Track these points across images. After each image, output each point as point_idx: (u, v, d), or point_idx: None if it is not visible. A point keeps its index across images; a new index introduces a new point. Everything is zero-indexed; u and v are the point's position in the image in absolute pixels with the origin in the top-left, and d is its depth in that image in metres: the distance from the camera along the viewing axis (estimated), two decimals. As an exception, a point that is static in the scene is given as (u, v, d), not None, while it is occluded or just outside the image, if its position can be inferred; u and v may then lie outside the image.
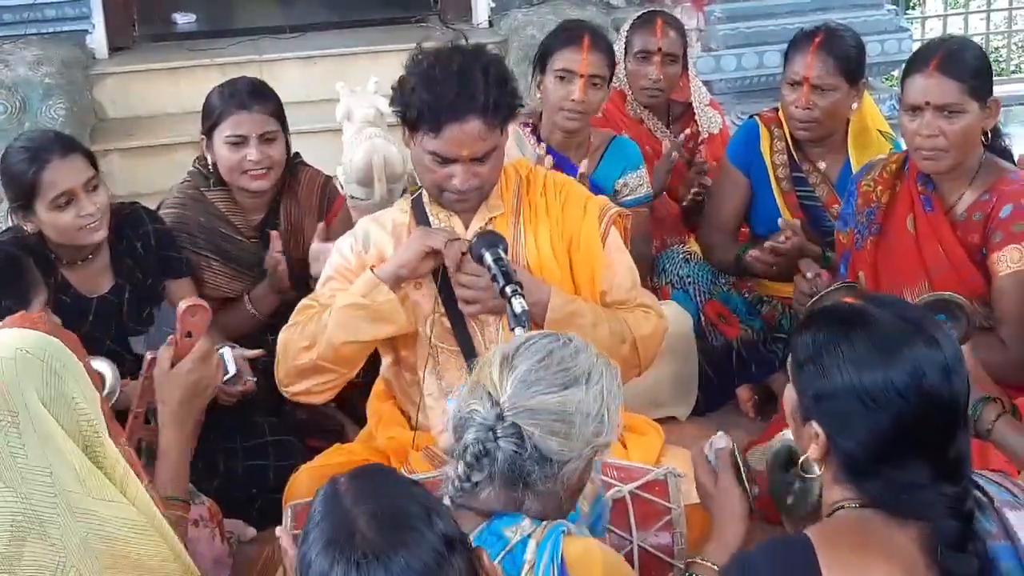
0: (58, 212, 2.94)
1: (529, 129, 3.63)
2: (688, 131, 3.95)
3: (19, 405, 1.58)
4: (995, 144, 2.91)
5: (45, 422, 1.59)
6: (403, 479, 1.62)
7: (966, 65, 2.78)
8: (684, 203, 3.84)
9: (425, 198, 2.73)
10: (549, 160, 3.43)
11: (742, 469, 1.99)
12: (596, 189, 3.48)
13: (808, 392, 1.72)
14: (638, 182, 3.64)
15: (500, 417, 1.78)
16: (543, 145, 3.54)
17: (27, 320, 1.73)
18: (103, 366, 2.55)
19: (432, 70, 2.54)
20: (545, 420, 1.78)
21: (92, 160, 3.04)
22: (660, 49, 3.86)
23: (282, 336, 2.68)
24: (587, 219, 2.74)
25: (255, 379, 2.93)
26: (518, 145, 3.46)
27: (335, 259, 2.75)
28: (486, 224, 2.66)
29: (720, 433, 2.03)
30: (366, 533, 1.46)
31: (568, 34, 3.54)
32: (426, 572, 1.44)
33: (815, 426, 1.71)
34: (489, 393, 1.80)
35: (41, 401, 1.60)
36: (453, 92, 2.50)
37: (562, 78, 3.46)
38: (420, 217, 2.72)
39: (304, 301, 2.74)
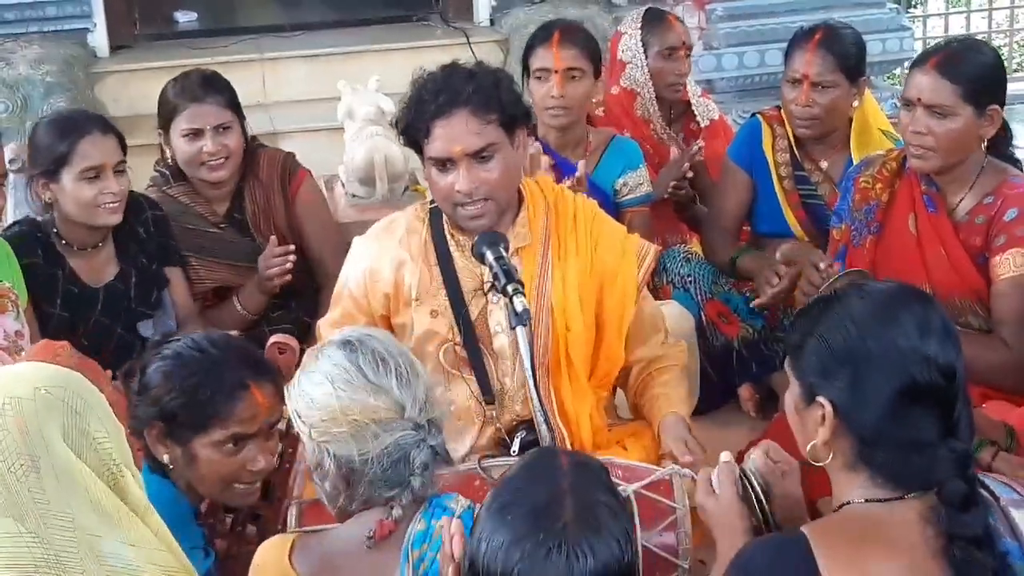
0: (83, 184, 3.00)
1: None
2: (698, 145, 3.93)
3: (40, 448, 1.54)
4: (1005, 153, 2.88)
5: (68, 464, 1.55)
6: (616, 491, 1.66)
7: (966, 68, 2.74)
8: (664, 198, 3.82)
9: (444, 218, 2.68)
10: (547, 160, 3.42)
11: (750, 484, 1.99)
12: (595, 189, 3.48)
13: (809, 367, 1.74)
14: (638, 181, 3.63)
15: (418, 426, 1.90)
16: (537, 144, 3.53)
17: (49, 351, 1.69)
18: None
19: (422, 84, 2.57)
20: (432, 399, 1.95)
21: (124, 148, 3.11)
22: (683, 43, 3.91)
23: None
24: (626, 261, 2.72)
25: None
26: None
27: (347, 281, 2.74)
28: (511, 255, 2.56)
29: (724, 452, 2.05)
30: (569, 525, 1.52)
31: (540, 34, 3.60)
32: None
33: (822, 401, 1.72)
34: (391, 419, 1.89)
35: (64, 441, 1.56)
36: (437, 92, 2.52)
37: (539, 77, 3.51)
38: (437, 233, 2.67)
39: (320, 323, 2.78)
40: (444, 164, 2.54)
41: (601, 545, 1.51)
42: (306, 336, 3.08)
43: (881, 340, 1.68)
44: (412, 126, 2.56)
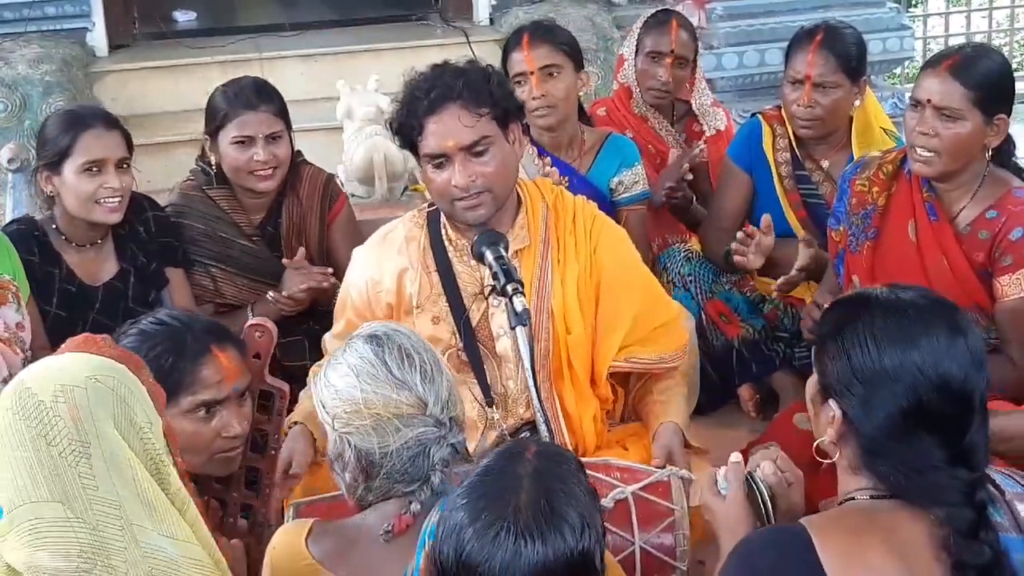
0: (85, 177, 3.00)
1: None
2: (699, 147, 3.91)
3: (92, 435, 1.56)
4: (1008, 164, 2.85)
5: (117, 452, 1.58)
6: (584, 481, 1.64)
7: (979, 74, 2.70)
8: (662, 201, 3.80)
9: (442, 220, 2.68)
10: (555, 172, 3.41)
11: (756, 488, 1.98)
12: (591, 187, 3.48)
13: (829, 369, 1.75)
14: (633, 179, 3.62)
15: (439, 423, 1.90)
16: (537, 157, 3.52)
17: (91, 343, 1.70)
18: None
19: (413, 84, 2.57)
20: (454, 397, 1.95)
21: (130, 145, 3.11)
22: (672, 51, 3.87)
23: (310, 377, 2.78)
24: (645, 311, 2.72)
25: None
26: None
27: (348, 292, 2.75)
28: (511, 257, 2.55)
29: (734, 453, 2.04)
30: (521, 510, 1.52)
31: (512, 40, 3.58)
32: (543, 571, 1.50)
33: (832, 405, 1.74)
34: (413, 415, 1.89)
35: (114, 429, 1.59)
36: (428, 90, 2.52)
37: (519, 82, 3.47)
38: (435, 236, 2.68)
39: (326, 337, 2.81)
40: (439, 160, 2.53)
41: (552, 532, 1.51)
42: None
43: (897, 361, 1.69)
44: (406, 125, 2.56)
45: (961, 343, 1.70)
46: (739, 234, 3.33)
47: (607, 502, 2.19)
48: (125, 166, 3.06)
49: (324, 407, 1.96)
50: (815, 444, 1.80)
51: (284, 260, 3.34)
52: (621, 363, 2.68)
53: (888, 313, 1.73)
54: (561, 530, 1.51)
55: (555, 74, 3.47)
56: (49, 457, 1.54)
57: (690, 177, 3.78)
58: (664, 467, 2.40)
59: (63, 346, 1.74)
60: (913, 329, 1.70)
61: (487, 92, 2.52)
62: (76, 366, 1.63)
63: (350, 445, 1.93)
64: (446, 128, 2.50)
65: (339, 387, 1.93)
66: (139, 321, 2.29)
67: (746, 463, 2.05)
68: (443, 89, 2.51)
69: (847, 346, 1.72)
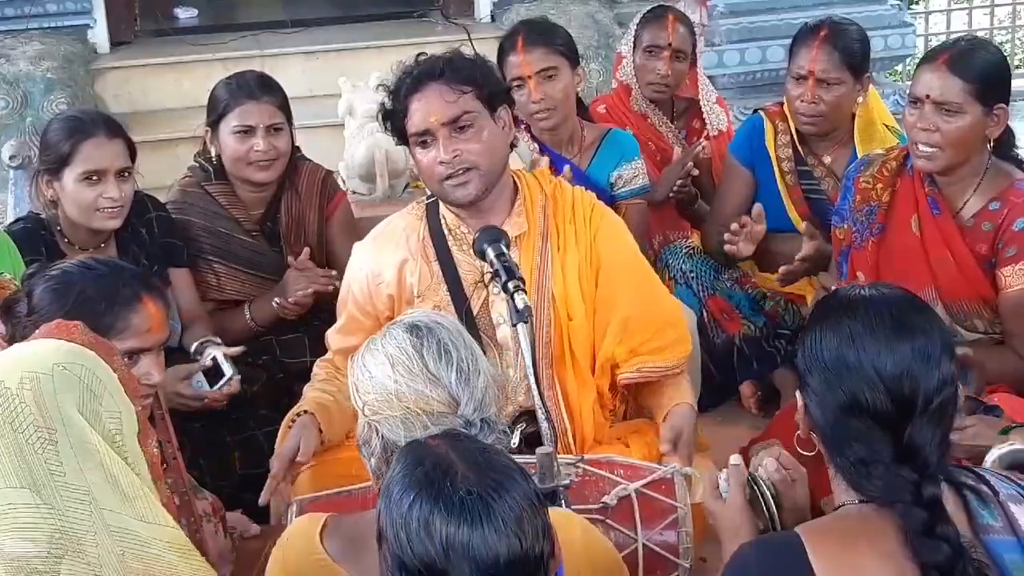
0: (84, 186, 2.99)
1: (524, 127, 3.61)
2: (701, 145, 3.91)
3: (57, 421, 1.57)
4: (1009, 155, 2.85)
5: (84, 438, 1.58)
6: (485, 443, 1.65)
7: (976, 66, 2.71)
8: (669, 197, 3.81)
9: (441, 210, 2.70)
10: (545, 160, 3.41)
11: (758, 488, 1.98)
12: (591, 183, 3.46)
13: (799, 362, 1.82)
14: (633, 174, 3.61)
15: (469, 423, 1.85)
16: (535, 146, 3.52)
17: (63, 330, 1.70)
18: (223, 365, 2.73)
19: (400, 71, 2.61)
20: (489, 398, 1.89)
21: (133, 153, 3.09)
22: (670, 44, 3.86)
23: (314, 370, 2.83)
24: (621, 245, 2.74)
25: (239, 376, 2.99)
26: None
27: (350, 287, 2.76)
28: (511, 242, 2.56)
29: (733, 455, 2.05)
30: (467, 474, 1.49)
31: (507, 42, 3.56)
32: (521, 521, 1.48)
33: (798, 395, 1.81)
34: (444, 413, 1.85)
35: (82, 416, 1.59)
36: (411, 72, 2.58)
37: (518, 86, 3.46)
38: (434, 224, 2.70)
39: (328, 334, 2.83)
40: (424, 139, 2.57)
41: (510, 482, 1.50)
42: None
43: (835, 356, 1.73)
44: (393, 111, 2.60)
45: (905, 343, 1.71)
46: (732, 225, 3.34)
47: (610, 499, 2.19)
48: (127, 175, 3.05)
49: (357, 391, 1.93)
50: (795, 435, 1.86)
51: (289, 259, 3.32)
52: (633, 374, 2.68)
53: (843, 310, 1.77)
54: (513, 477, 1.52)
55: (553, 76, 3.47)
56: (16, 444, 1.54)
57: (696, 172, 3.79)
58: (668, 461, 2.41)
59: (36, 332, 1.74)
60: (856, 326, 1.73)
61: (471, 71, 2.57)
62: (44, 353, 1.64)
63: (377, 433, 1.90)
64: (429, 105, 2.54)
65: (374, 374, 1.90)
66: (61, 262, 2.28)
67: (747, 461, 2.06)
68: (425, 68, 2.56)
69: (807, 341, 1.79)
